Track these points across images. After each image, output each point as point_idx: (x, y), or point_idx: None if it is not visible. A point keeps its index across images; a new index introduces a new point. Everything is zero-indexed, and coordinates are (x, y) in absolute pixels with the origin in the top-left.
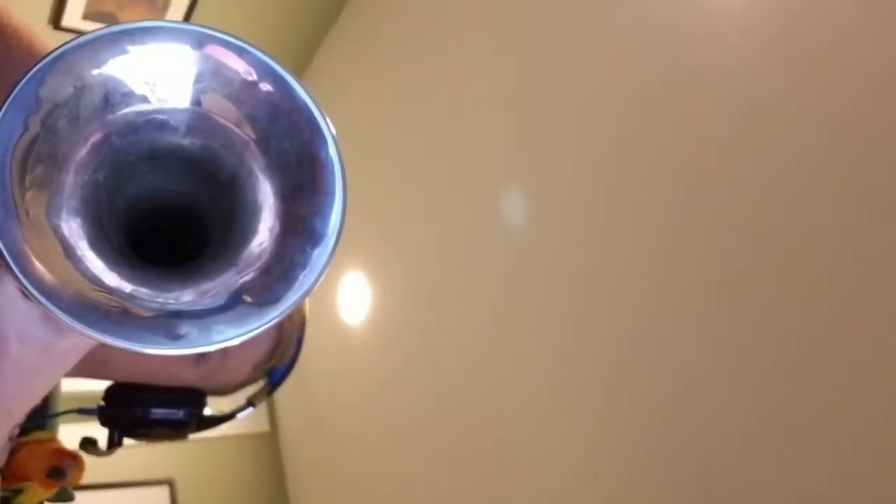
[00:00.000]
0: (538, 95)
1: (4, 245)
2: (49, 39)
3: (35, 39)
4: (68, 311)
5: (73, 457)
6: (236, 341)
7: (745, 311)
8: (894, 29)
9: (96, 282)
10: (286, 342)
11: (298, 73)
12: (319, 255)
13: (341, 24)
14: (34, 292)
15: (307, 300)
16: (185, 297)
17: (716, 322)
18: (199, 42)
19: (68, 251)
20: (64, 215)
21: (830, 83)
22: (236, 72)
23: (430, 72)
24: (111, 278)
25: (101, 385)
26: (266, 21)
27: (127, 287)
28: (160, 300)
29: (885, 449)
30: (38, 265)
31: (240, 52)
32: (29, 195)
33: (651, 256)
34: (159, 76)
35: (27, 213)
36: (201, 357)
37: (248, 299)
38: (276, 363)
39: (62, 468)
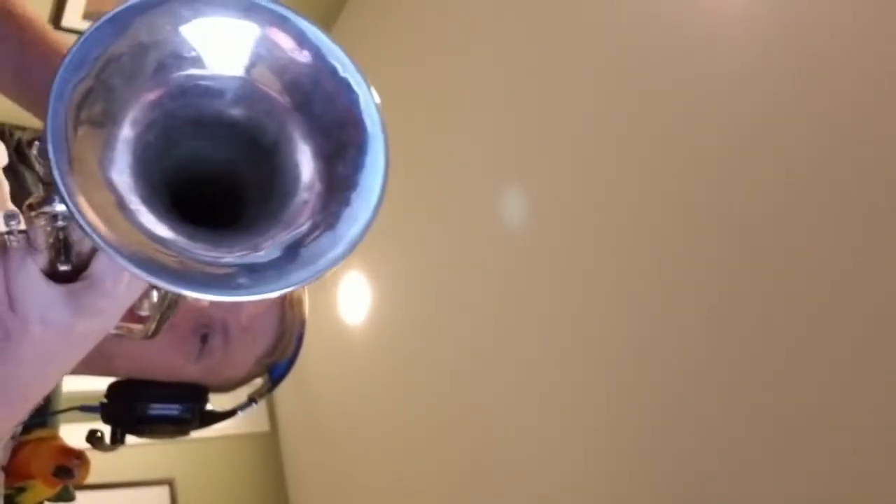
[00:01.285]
0: (538, 95)
1: (68, 196)
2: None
3: (48, 29)
4: (131, 260)
5: (78, 455)
6: (293, 289)
7: (746, 311)
8: (894, 29)
9: (150, 235)
10: (288, 336)
11: None
12: (364, 206)
13: (341, 24)
14: (97, 240)
15: (307, 299)
16: (236, 251)
17: (716, 322)
18: (247, 11)
19: (122, 203)
20: (117, 168)
21: (830, 83)
22: (281, 42)
23: (429, 71)
24: (165, 231)
25: (101, 385)
26: None
27: (180, 241)
28: (214, 254)
29: (883, 451)
30: (94, 217)
31: (282, 20)
32: (84, 147)
33: (651, 256)
34: (210, 43)
35: (81, 164)
36: (205, 348)
37: (300, 250)
38: (277, 358)
39: (69, 467)
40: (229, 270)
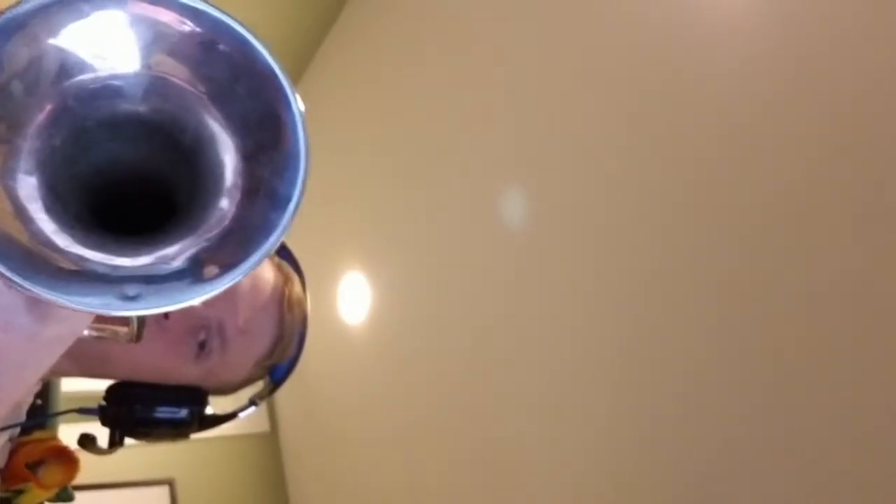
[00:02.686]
0: (538, 95)
1: None
2: None
3: None
4: (13, 268)
5: (57, 453)
6: (188, 304)
7: (746, 312)
8: (894, 29)
9: (47, 243)
10: (287, 338)
11: (299, 73)
12: (280, 217)
13: (341, 24)
14: None
15: (307, 299)
16: (140, 261)
17: (716, 322)
18: (151, 4)
19: (19, 211)
20: (18, 177)
21: (830, 83)
22: (189, 32)
23: (430, 71)
24: (63, 240)
25: (102, 385)
26: (266, 21)
27: (79, 249)
28: (113, 263)
29: (883, 451)
30: None
31: (195, 13)
32: None
33: (651, 256)
34: (111, 40)
35: None
36: (203, 351)
37: (206, 265)
38: (277, 360)
39: (41, 461)
40: (123, 281)
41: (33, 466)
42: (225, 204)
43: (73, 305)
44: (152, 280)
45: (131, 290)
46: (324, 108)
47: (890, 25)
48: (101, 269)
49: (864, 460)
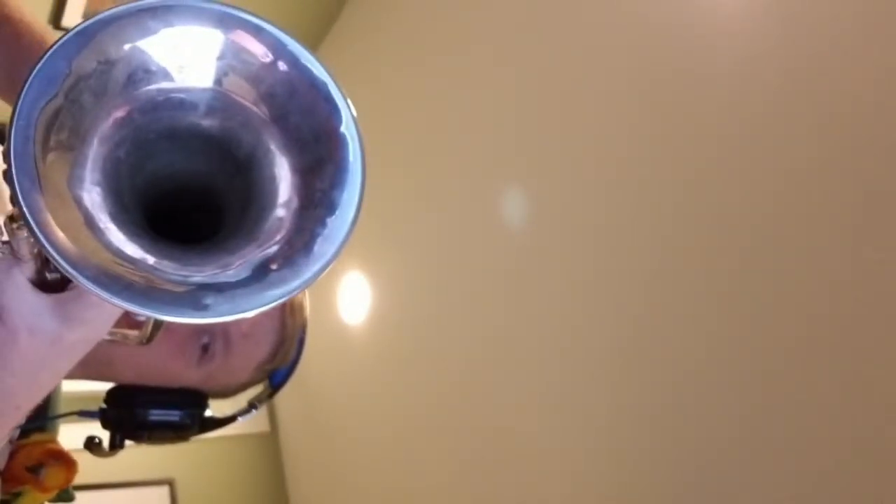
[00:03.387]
0: (539, 95)
1: (31, 215)
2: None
3: (47, 34)
4: (94, 280)
5: (58, 457)
6: (261, 311)
7: (746, 312)
8: (894, 29)
9: (118, 253)
10: (289, 341)
11: None
12: (339, 227)
13: (342, 24)
14: (59, 260)
15: (307, 298)
16: (207, 270)
17: (716, 322)
18: (220, 21)
19: (90, 222)
20: (86, 186)
21: (830, 83)
22: (255, 52)
23: (430, 71)
24: (133, 250)
25: (102, 387)
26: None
27: (149, 259)
28: (183, 273)
29: (882, 449)
30: (60, 235)
31: (257, 30)
32: (51, 166)
33: (651, 256)
34: (181, 55)
35: (49, 182)
36: (206, 355)
37: (272, 271)
38: (278, 364)
39: (41, 464)
40: (196, 290)
41: (34, 469)
42: (283, 214)
43: (158, 315)
44: (221, 288)
45: (206, 298)
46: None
47: (890, 25)
48: (174, 279)
49: (864, 461)
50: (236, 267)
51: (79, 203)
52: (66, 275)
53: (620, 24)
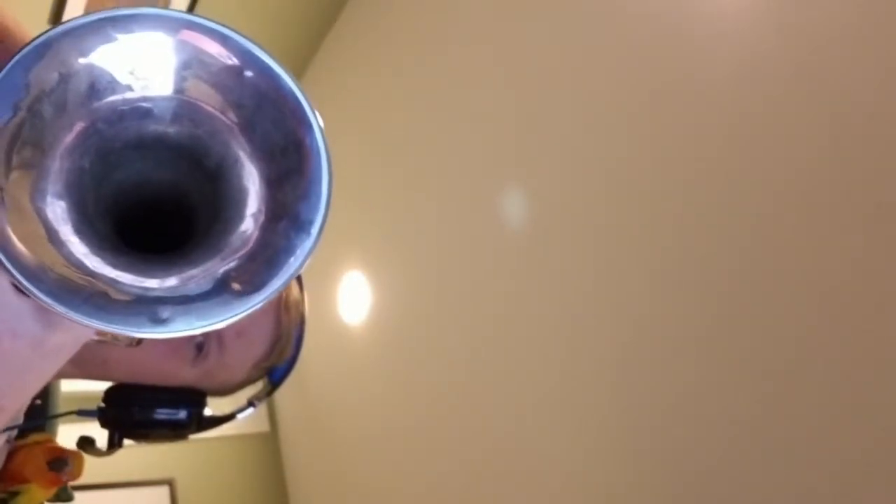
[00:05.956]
0: (539, 95)
1: None
2: None
3: (28, 38)
4: (50, 293)
5: (72, 451)
6: (218, 326)
7: (746, 312)
8: (894, 29)
9: (79, 266)
10: (285, 339)
11: (299, 73)
12: (304, 241)
13: (342, 24)
14: (16, 274)
15: (307, 299)
16: (168, 282)
17: (716, 323)
18: (181, 29)
19: (51, 234)
20: (48, 199)
21: (830, 83)
22: (218, 59)
23: (430, 71)
24: (94, 262)
25: (100, 386)
26: (267, 20)
27: (110, 272)
28: (143, 285)
29: (882, 451)
30: (20, 247)
31: (223, 39)
32: (13, 178)
33: (651, 256)
34: (143, 63)
35: (11, 196)
36: (200, 354)
37: (233, 285)
38: (275, 362)
39: (63, 458)
40: (155, 303)
41: (56, 465)
42: (249, 227)
43: (111, 329)
44: (181, 301)
45: (163, 312)
46: (324, 107)
47: (890, 25)
48: (133, 291)
49: (864, 461)
50: (198, 279)
51: (41, 216)
52: (21, 288)
53: (620, 25)
